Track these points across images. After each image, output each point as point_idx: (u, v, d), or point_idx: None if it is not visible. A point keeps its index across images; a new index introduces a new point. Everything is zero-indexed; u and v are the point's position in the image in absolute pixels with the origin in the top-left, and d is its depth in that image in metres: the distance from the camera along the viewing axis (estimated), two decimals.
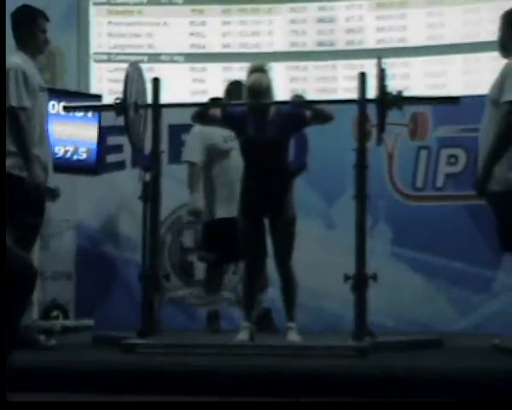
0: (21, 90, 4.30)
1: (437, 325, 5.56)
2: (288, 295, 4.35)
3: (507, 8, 4.48)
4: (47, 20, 4.54)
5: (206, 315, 5.14)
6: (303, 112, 4.28)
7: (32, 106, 4.36)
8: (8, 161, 4.20)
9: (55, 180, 4.61)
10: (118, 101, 4.44)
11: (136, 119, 4.52)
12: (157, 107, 4.57)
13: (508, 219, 4.17)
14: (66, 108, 5.17)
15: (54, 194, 4.63)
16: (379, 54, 4.55)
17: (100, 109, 5.44)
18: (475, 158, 5.59)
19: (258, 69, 4.30)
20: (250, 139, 4.26)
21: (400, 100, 4.30)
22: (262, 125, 4.25)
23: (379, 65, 4.25)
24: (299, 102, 4.29)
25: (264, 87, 4.24)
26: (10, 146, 4.27)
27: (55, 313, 5.68)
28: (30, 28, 4.46)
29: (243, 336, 4.25)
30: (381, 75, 4.25)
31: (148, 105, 4.59)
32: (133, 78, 4.51)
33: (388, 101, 4.27)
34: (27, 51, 4.45)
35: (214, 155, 5.01)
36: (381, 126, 4.30)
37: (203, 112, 4.33)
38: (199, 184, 4.98)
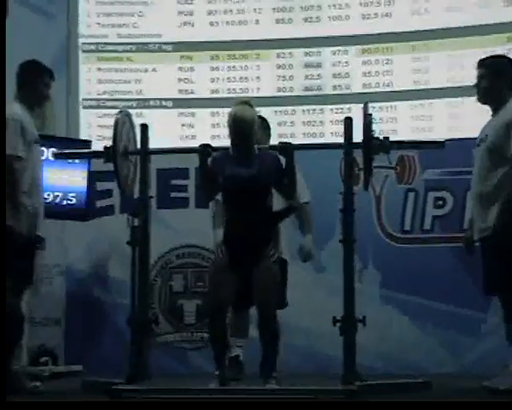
0: (18, 139, 4.38)
1: (426, 367, 5.56)
2: (267, 342, 4.13)
3: (490, 53, 4.57)
4: (52, 77, 4.65)
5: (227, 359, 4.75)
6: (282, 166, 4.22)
7: (26, 157, 4.42)
8: None
9: (43, 225, 4.63)
10: (107, 147, 4.47)
11: (125, 165, 4.55)
12: (145, 153, 4.60)
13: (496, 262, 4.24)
14: (56, 156, 5.19)
15: (40, 243, 4.62)
16: (366, 98, 4.60)
17: (89, 156, 5.46)
18: (463, 200, 5.68)
19: (243, 102, 4.26)
20: (232, 176, 4.16)
21: (386, 145, 4.34)
22: (245, 164, 4.17)
23: (365, 110, 4.30)
24: (285, 148, 4.25)
25: (248, 117, 4.16)
26: None
27: (43, 359, 5.65)
28: (35, 83, 4.56)
29: (213, 386, 4.10)
30: (367, 120, 4.29)
31: (137, 151, 4.62)
32: (122, 124, 4.54)
33: (374, 146, 4.31)
34: (26, 102, 4.55)
35: None
36: (368, 171, 4.34)
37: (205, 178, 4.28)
38: (220, 221, 4.71)
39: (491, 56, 4.56)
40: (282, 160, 4.27)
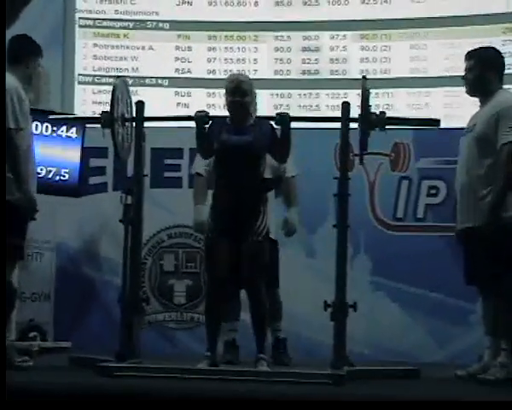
0: (17, 112, 4.29)
1: (415, 355, 5.57)
2: (257, 323, 4.19)
3: (488, 43, 4.56)
4: (41, 55, 4.56)
5: (223, 343, 4.81)
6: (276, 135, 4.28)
7: (25, 127, 4.36)
8: None
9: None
10: (105, 112, 4.42)
11: (121, 132, 4.50)
12: (141, 124, 4.55)
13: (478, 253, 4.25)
14: (52, 120, 5.17)
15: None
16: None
17: (86, 122, 5.45)
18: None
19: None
20: (226, 141, 4.21)
21: (383, 120, 4.32)
22: (239, 131, 4.24)
23: (363, 85, 4.29)
24: (282, 118, 4.27)
25: (243, 83, 4.30)
26: None
27: (32, 334, 5.64)
28: (32, 61, 4.48)
29: (202, 366, 4.12)
30: (365, 95, 4.28)
31: (135, 118, 4.56)
32: (120, 91, 4.51)
33: (371, 120, 4.29)
34: (19, 77, 4.42)
35: None
36: (364, 145, 4.31)
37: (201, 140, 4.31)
38: (202, 197, 4.76)
39: (479, 48, 4.54)
40: (277, 130, 4.31)
